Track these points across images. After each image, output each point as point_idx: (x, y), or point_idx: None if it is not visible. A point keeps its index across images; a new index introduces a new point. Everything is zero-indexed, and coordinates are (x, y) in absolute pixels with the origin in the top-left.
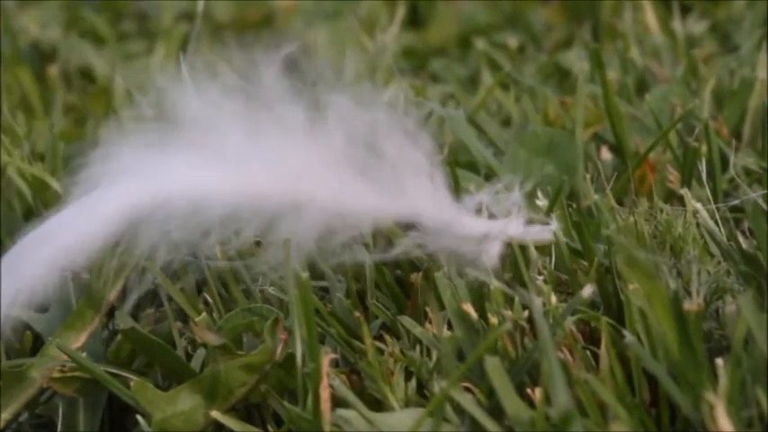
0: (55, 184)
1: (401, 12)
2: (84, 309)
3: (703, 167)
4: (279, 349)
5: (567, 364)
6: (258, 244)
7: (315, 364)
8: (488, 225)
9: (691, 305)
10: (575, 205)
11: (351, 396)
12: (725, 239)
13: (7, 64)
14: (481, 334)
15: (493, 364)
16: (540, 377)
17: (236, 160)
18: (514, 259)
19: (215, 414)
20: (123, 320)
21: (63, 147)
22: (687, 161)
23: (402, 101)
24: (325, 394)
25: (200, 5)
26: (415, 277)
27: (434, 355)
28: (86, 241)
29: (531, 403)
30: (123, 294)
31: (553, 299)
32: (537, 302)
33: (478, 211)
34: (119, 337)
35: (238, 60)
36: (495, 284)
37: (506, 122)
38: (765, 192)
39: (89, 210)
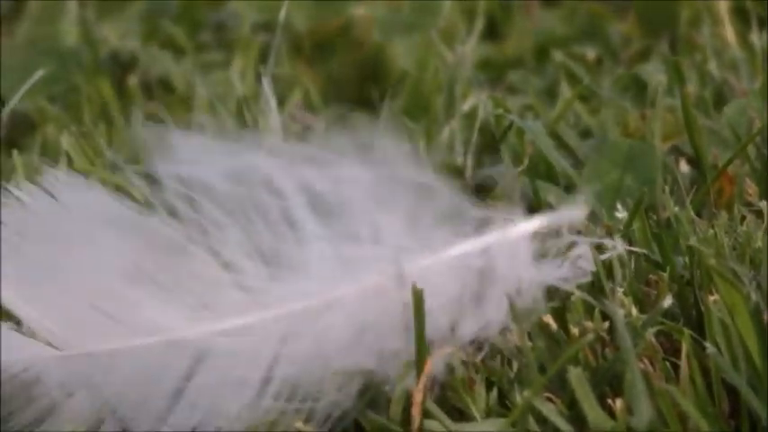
0: (137, 194)
1: (480, 24)
2: None
3: None
4: None
5: (648, 374)
6: None
7: (420, 362)
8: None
9: None
10: (655, 217)
11: (433, 406)
12: None
13: (88, 74)
14: (562, 344)
15: (576, 374)
16: (620, 388)
17: None
18: (595, 270)
19: (299, 425)
20: None
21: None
22: (765, 174)
23: (481, 112)
24: (418, 397)
25: (282, 16)
26: None
27: (515, 365)
28: None
29: (611, 413)
30: None
31: (634, 310)
32: (619, 313)
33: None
34: None
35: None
36: (576, 295)
37: (585, 134)
38: None
39: None
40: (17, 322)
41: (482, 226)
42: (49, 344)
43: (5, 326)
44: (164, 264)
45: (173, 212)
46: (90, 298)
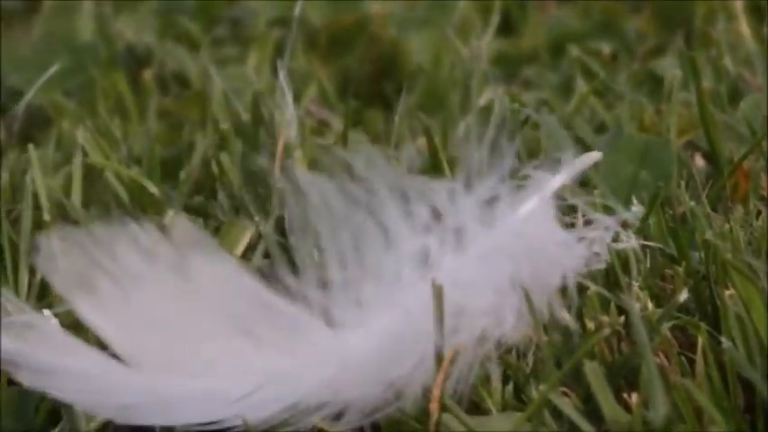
0: (152, 188)
1: (495, 19)
2: None
3: None
4: None
5: (664, 369)
6: None
7: (438, 358)
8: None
9: None
10: (670, 211)
11: (449, 400)
12: None
13: (103, 69)
14: (577, 339)
15: (592, 369)
16: (635, 382)
17: None
18: (611, 264)
19: (314, 419)
20: None
21: (159, 150)
22: None
23: (496, 107)
24: (436, 392)
25: (297, 10)
26: None
27: (531, 359)
28: None
29: (627, 408)
30: None
31: (649, 304)
32: (635, 307)
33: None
34: None
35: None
36: (592, 289)
37: (600, 129)
38: None
39: None
40: None
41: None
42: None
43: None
44: (266, 318)
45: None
46: (191, 343)
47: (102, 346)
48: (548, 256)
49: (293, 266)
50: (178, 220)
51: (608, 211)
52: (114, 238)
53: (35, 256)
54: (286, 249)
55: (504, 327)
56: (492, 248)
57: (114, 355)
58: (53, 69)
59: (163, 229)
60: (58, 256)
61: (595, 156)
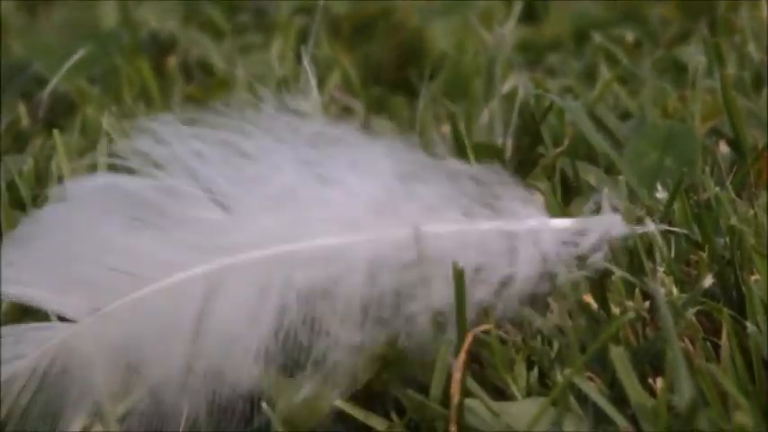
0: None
1: (519, 6)
2: None
3: None
4: None
5: (689, 353)
6: None
7: (460, 340)
8: None
9: None
10: (695, 197)
11: (473, 385)
12: None
13: (127, 56)
14: (602, 324)
15: (617, 353)
16: (660, 367)
17: None
18: (635, 249)
19: (339, 403)
20: None
21: None
22: None
23: (521, 93)
24: (457, 375)
25: None
26: None
27: (555, 344)
28: None
29: (651, 392)
30: None
31: (674, 290)
32: (660, 292)
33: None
34: None
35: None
36: (617, 274)
37: (624, 116)
38: None
39: None
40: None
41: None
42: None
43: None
44: (158, 209)
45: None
46: (91, 258)
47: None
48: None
49: None
50: None
51: (633, 197)
52: None
53: None
54: None
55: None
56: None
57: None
58: (77, 56)
59: None
60: None
61: (617, 222)
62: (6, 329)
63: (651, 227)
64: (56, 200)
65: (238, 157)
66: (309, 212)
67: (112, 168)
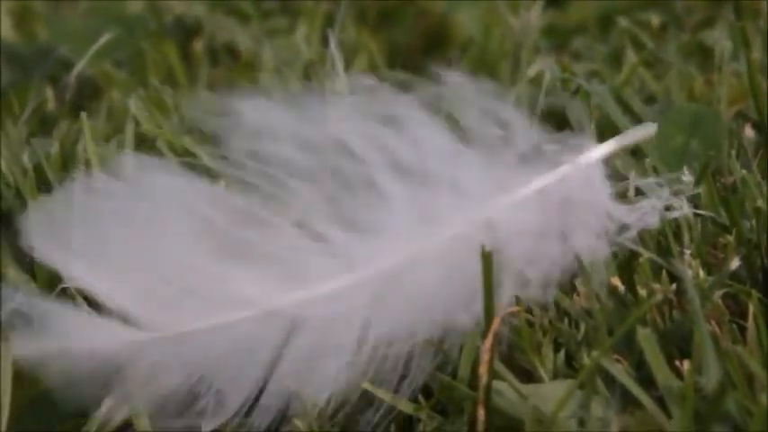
0: (204, 157)
1: None
2: None
3: None
4: None
5: (716, 336)
6: None
7: (488, 321)
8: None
9: None
10: (721, 180)
11: (501, 367)
12: None
13: (153, 40)
14: (629, 306)
15: (645, 335)
16: (687, 349)
17: None
18: (663, 232)
19: (366, 385)
20: None
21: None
22: None
23: (547, 76)
24: (486, 356)
25: None
26: None
27: (583, 327)
28: None
29: (678, 375)
30: None
31: (701, 272)
32: (688, 275)
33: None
34: None
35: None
36: (644, 256)
37: (649, 100)
38: None
39: None
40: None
41: (557, 157)
42: (132, 324)
43: (83, 311)
44: (247, 237)
45: (250, 186)
46: (176, 277)
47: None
48: (595, 219)
49: None
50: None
51: (659, 180)
52: (77, 191)
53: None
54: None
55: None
56: (539, 205)
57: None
58: (103, 40)
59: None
60: (34, 227)
61: (650, 128)
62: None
63: (684, 209)
64: (128, 189)
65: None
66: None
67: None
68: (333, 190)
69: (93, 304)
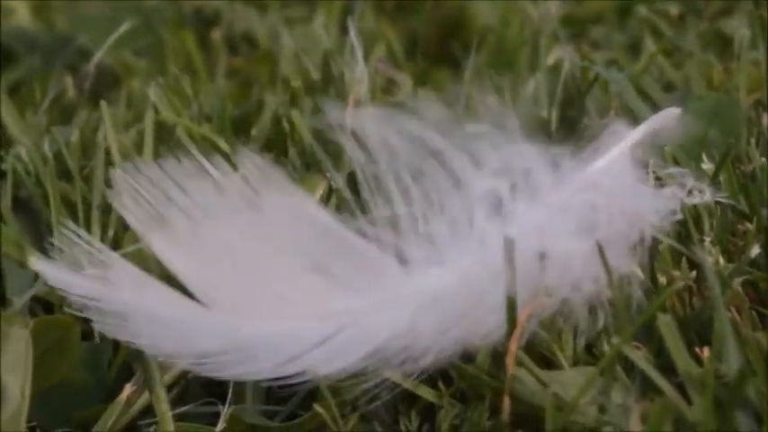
0: (222, 144)
1: None
2: None
3: None
4: None
5: (736, 323)
6: None
7: (511, 313)
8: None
9: None
10: (741, 168)
11: (521, 354)
12: None
13: (172, 29)
14: (649, 294)
15: (665, 322)
16: (707, 336)
17: None
18: (683, 219)
19: (389, 373)
20: None
21: (230, 108)
22: None
23: (566, 65)
24: (513, 347)
25: None
26: None
27: (602, 314)
28: None
29: (698, 361)
30: None
31: (721, 259)
32: (709, 262)
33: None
34: None
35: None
36: (664, 243)
37: (668, 88)
38: None
39: None
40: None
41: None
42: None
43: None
44: (340, 255)
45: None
46: (268, 280)
47: (174, 285)
48: (625, 209)
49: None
50: (248, 155)
51: (679, 168)
52: (185, 172)
53: (110, 192)
54: (358, 203)
55: (573, 274)
56: (567, 198)
57: (189, 295)
58: (122, 29)
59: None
60: (131, 191)
61: (674, 112)
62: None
63: (707, 195)
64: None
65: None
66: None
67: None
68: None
69: None
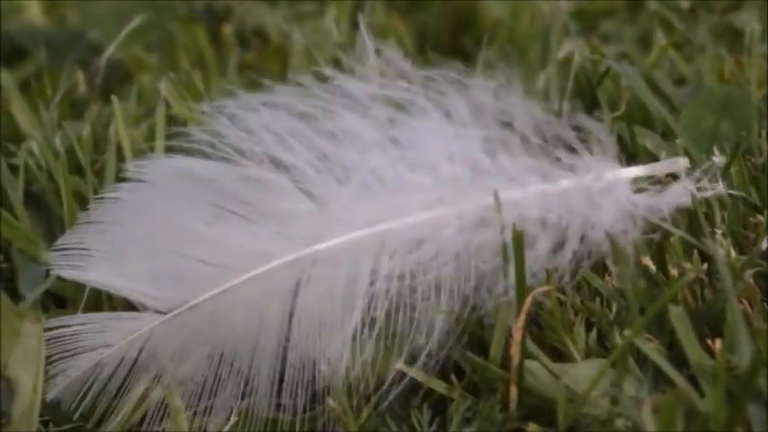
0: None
1: None
2: None
3: None
4: None
5: (748, 315)
6: None
7: (520, 302)
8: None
9: None
10: (752, 160)
11: (533, 346)
12: None
13: (183, 24)
14: (661, 286)
15: (677, 314)
16: (718, 328)
17: None
18: (694, 212)
19: (400, 365)
20: None
21: None
22: None
23: (577, 58)
24: (517, 336)
25: None
26: None
27: (614, 306)
28: None
29: (710, 353)
30: None
31: (732, 252)
32: (720, 254)
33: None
34: None
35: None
36: (676, 236)
37: (679, 82)
38: None
39: None
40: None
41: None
42: (153, 310)
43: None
44: (243, 197)
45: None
46: (178, 249)
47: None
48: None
49: None
50: None
51: (690, 161)
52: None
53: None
54: None
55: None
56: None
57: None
58: (133, 24)
59: None
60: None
61: (682, 163)
62: (91, 317)
63: (720, 188)
64: (133, 180)
65: (319, 137)
66: (396, 197)
67: (189, 151)
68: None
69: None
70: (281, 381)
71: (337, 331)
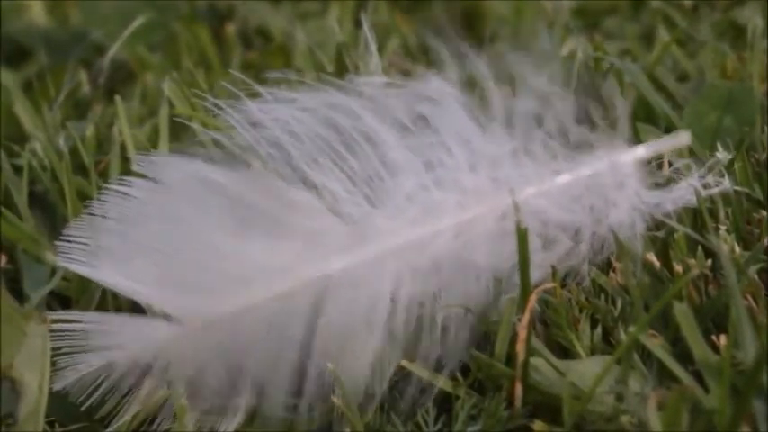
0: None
1: None
2: None
3: None
4: None
5: (752, 311)
6: None
7: (524, 299)
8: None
9: None
10: (756, 156)
11: (538, 343)
12: None
13: (186, 24)
14: (665, 282)
15: (681, 310)
16: (723, 324)
17: None
18: (698, 208)
19: (405, 363)
20: None
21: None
22: None
23: (579, 56)
24: (523, 334)
25: None
26: None
27: (619, 303)
28: None
29: (714, 349)
30: None
31: (737, 248)
32: (724, 250)
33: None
34: None
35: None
36: (680, 232)
37: (682, 78)
38: None
39: None
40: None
41: (587, 153)
42: (168, 318)
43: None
44: (264, 210)
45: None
46: (194, 257)
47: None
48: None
49: None
50: None
51: (694, 157)
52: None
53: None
54: None
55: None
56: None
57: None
58: (136, 24)
59: None
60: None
61: (685, 138)
62: (104, 316)
63: (725, 184)
64: (143, 177)
65: (344, 148)
66: (423, 217)
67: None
68: (348, 162)
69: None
70: (299, 394)
71: (360, 352)
